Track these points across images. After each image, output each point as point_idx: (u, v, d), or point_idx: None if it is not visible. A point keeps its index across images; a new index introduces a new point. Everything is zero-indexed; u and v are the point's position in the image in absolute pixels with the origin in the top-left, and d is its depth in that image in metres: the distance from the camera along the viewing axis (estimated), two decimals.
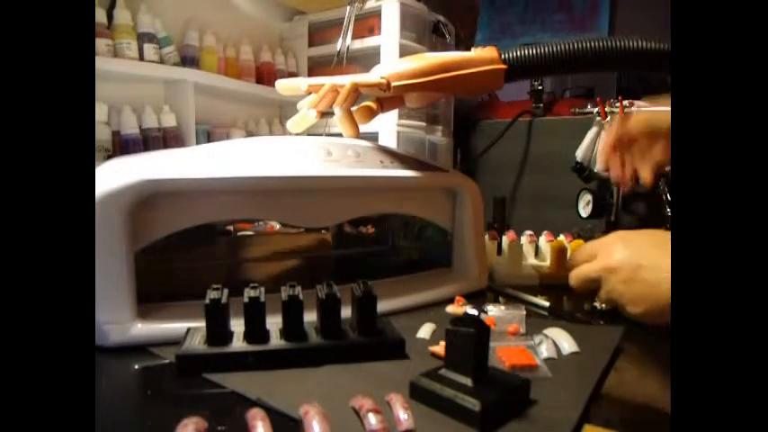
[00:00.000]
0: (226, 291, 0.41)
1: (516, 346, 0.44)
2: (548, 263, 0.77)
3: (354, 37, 1.13)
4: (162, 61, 0.95)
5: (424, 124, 1.20)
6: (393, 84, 0.55)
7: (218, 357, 0.39)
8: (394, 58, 1.09)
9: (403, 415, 0.30)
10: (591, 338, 0.47)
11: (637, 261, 0.48)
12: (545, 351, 0.43)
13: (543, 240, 0.82)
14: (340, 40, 1.13)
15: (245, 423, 0.30)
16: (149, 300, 0.47)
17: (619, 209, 1.01)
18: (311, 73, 1.25)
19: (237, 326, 0.41)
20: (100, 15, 0.86)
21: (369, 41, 1.13)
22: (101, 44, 0.85)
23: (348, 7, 1.12)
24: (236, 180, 0.47)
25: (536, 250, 0.82)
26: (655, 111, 0.63)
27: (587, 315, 0.59)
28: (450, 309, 0.57)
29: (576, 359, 0.43)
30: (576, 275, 0.55)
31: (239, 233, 0.60)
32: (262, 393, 0.35)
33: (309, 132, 0.60)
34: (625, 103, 0.98)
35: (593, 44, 0.57)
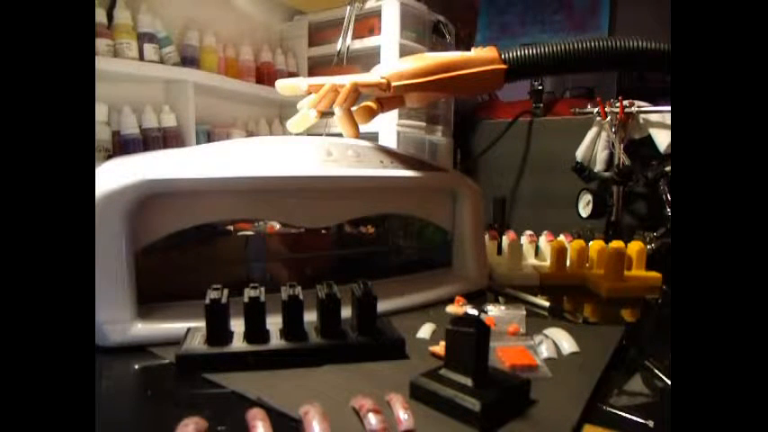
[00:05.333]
0: (226, 291, 0.41)
1: (516, 346, 0.44)
2: (548, 263, 0.77)
3: (354, 37, 1.13)
4: (162, 61, 0.95)
5: (424, 124, 1.20)
6: (393, 84, 0.55)
7: (218, 357, 0.39)
8: (394, 58, 1.09)
9: (403, 415, 0.30)
10: (591, 338, 0.47)
11: None
12: (545, 351, 0.43)
13: (543, 240, 0.82)
14: (340, 40, 1.13)
15: (245, 423, 0.30)
16: (149, 300, 0.47)
17: (619, 209, 1.01)
18: (311, 73, 1.25)
19: (237, 326, 0.41)
20: (100, 15, 0.86)
21: (369, 41, 1.13)
22: (101, 44, 0.85)
23: (348, 7, 1.13)
24: (236, 180, 0.47)
25: (536, 250, 0.82)
26: None
27: (587, 315, 0.59)
28: (451, 309, 0.57)
29: (575, 359, 0.43)
30: None
31: (239, 233, 0.60)
32: (262, 393, 0.35)
33: (309, 132, 0.60)
34: (625, 103, 0.98)
35: (593, 44, 0.57)
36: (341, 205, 0.56)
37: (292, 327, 0.41)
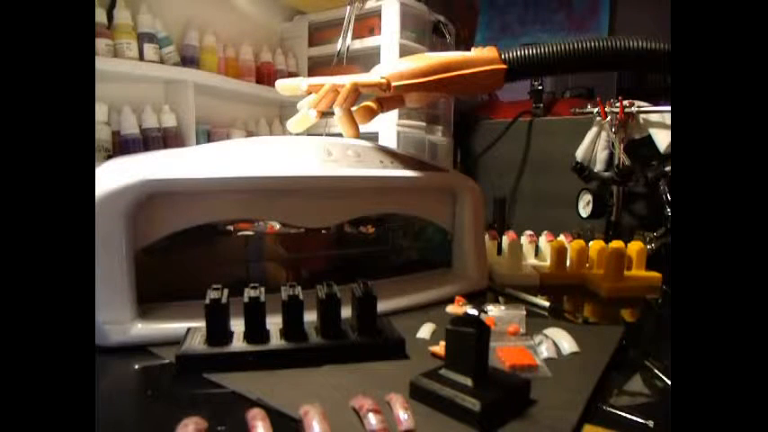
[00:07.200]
0: (226, 291, 0.41)
1: (516, 346, 0.44)
2: (548, 263, 0.77)
3: (354, 37, 1.13)
4: (162, 61, 0.95)
5: (424, 124, 1.20)
6: (393, 84, 0.55)
7: (218, 357, 0.39)
8: (394, 58, 1.09)
9: (403, 415, 0.30)
10: (591, 338, 0.47)
11: None
12: (545, 351, 0.43)
13: (543, 240, 0.82)
14: (340, 40, 1.13)
15: (245, 423, 0.30)
16: (149, 300, 0.47)
17: (619, 209, 1.01)
18: (311, 73, 1.25)
19: (237, 326, 0.41)
20: (100, 15, 0.86)
21: (369, 41, 1.13)
22: (101, 44, 0.85)
23: (348, 7, 1.12)
24: (236, 180, 0.47)
25: (536, 250, 0.82)
26: None
27: (587, 315, 0.59)
28: (451, 309, 0.57)
29: (576, 359, 0.43)
30: None
31: (239, 233, 0.60)
32: (262, 393, 0.35)
33: (309, 132, 0.60)
34: (625, 103, 0.98)
35: (593, 44, 0.57)
36: (341, 205, 0.56)
37: (292, 327, 0.41)
